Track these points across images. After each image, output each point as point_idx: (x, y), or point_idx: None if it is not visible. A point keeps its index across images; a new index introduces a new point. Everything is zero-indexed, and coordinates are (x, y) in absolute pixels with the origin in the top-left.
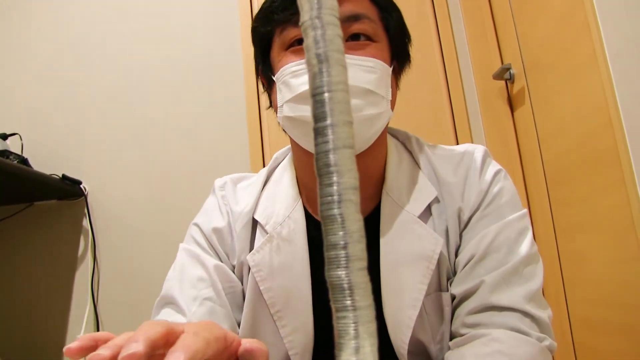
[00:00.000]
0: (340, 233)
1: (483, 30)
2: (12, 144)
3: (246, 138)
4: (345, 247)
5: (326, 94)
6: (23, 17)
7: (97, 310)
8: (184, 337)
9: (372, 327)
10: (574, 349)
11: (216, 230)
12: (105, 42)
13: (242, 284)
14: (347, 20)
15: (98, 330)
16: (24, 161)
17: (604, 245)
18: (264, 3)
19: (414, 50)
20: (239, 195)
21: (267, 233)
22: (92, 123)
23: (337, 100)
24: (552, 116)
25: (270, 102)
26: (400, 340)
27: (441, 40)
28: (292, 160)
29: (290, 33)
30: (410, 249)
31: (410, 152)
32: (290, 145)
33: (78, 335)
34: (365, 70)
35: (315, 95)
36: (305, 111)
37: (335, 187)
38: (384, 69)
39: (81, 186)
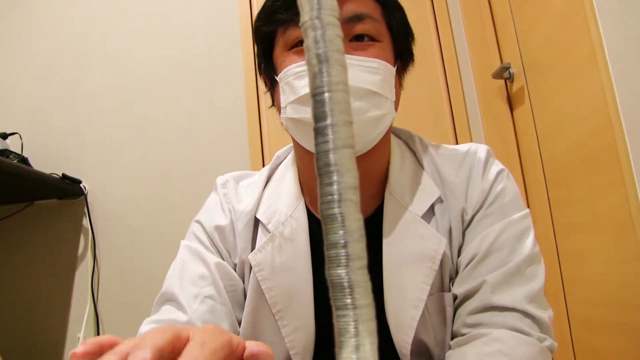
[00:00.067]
0: (341, 232)
1: (483, 30)
2: (12, 144)
3: (246, 138)
4: (345, 246)
5: (326, 94)
6: (23, 17)
7: (97, 309)
8: (190, 348)
9: (372, 325)
10: (574, 349)
11: (218, 228)
12: (105, 42)
13: (243, 283)
14: (350, 20)
15: (98, 329)
16: (24, 160)
17: (603, 245)
18: (266, 2)
19: (414, 50)
20: (241, 193)
21: (269, 232)
22: (92, 123)
23: (337, 100)
24: (552, 116)
25: (273, 101)
26: (403, 341)
27: (440, 39)
28: (294, 160)
29: (293, 34)
30: (413, 248)
31: (413, 152)
32: (291, 144)
33: (78, 334)
34: (369, 71)
35: (316, 95)
36: (309, 113)
37: (335, 187)
38: (388, 70)
39: (81, 185)
